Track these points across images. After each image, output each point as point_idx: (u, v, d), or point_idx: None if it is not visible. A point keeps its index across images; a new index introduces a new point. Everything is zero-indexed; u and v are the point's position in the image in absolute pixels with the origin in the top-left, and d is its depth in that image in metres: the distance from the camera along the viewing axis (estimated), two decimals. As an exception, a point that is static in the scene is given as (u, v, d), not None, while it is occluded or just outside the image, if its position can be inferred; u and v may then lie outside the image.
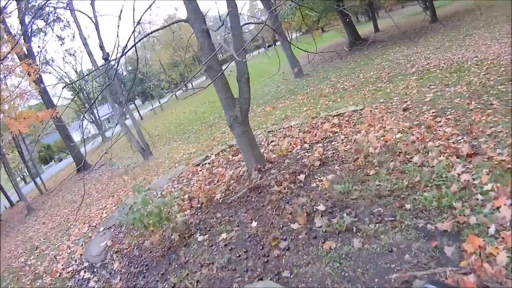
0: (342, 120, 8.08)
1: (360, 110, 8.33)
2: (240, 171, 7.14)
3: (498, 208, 3.57)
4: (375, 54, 16.50)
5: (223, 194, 6.38)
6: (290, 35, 52.03)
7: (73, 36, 29.56)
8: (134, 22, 4.81)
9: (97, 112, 43.53)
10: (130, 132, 15.55)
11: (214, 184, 7.13)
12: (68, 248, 8.31)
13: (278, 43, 40.03)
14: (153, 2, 5.50)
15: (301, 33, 41.63)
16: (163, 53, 50.16)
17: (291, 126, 9.13)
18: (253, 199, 5.74)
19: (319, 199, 4.95)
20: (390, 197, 4.43)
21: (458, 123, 5.85)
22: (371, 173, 5.15)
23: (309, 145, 7.18)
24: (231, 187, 6.55)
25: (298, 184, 5.61)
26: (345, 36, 22.82)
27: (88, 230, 8.87)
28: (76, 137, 51.01)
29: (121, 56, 4.99)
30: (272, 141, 8.52)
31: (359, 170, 5.38)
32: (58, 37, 26.92)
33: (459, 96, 7.05)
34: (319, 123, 8.42)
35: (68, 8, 15.34)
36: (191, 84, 53.32)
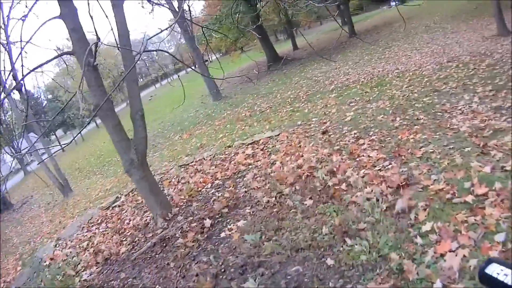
0: (257, 148, 7.18)
1: (276, 136, 7.47)
2: (146, 218, 6.19)
3: (442, 255, 2.77)
4: (293, 73, 16.11)
5: (129, 246, 5.46)
6: (209, 57, 51.87)
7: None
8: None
9: (17, 145, 40.01)
10: (47, 168, 14.48)
11: (120, 233, 6.21)
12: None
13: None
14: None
15: (221, 54, 41.32)
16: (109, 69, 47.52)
17: (204, 159, 8.13)
18: (157, 255, 4.79)
19: (228, 255, 4.01)
20: (308, 250, 3.50)
21: (383, 145, 5.15)
22: (286, 218, 4.27)
23: (221, 182, 6.26)
24: (137, 238, 5.64)
25: (205, 234, 4.69)
26: (264, 55, 22.36)
27: None
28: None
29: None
30: (182, 178, 7.53)
31: (272, 215, 4.49)
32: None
33: (382, 113, 6.46)
34: (233, 154, 7.49)
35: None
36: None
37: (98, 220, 7.80)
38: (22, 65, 4.22)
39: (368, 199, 3.87)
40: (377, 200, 3.81)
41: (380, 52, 12.86)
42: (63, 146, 3.97)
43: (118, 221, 6.87)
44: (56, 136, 50.76)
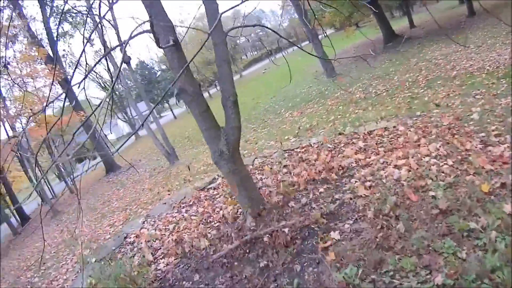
0: (371, 141, 6.69)
1: (393, 128, 6.90)
2: (238, 210, 5.86)
3: None
4: (411, 53, 15.17)
5: (212, 241, 5.28)
6: (324, 31, 50.76)
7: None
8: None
9: (130, 111, 43.82)
10: (155, 136, 15.61)
11: (207, 223, 6.13)
12: (66, 272, 7.87)
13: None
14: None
15: (335, 29, 40.41)
16: (195, 52, 49.85)
17: (311, 145, 7.82)
18: (237, 263, 4.53)
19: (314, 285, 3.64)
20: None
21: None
22: (393, 248, 3.58)
23: (323, 180, 5.81)
24: (222, 233, 5.35)
25: (295, 249, 4.25)
26: (379, 32, 21.53)
27: (92, 250, 8.24)
28: (111, 136, 51.88)
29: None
30: (284, 166, 7.14)
31: (376, 239, 3.80)
32: (87, 39, 26.74)
33: None
34: (342, 144, 7.11)
35: (87, 12, 15.21)
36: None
37: (190, 201, 7.83)
38: (123, 42, 4.11)
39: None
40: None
41: (505, 36, 11.49)
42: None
43: (209, 208, 6.71)
44: (168, 104, 53.56)
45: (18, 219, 22.13)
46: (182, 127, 29.12)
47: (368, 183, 5.07)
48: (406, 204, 4.20)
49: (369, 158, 5.92)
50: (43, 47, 19.86)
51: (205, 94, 54.31)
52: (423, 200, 4.14)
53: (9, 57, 16.48)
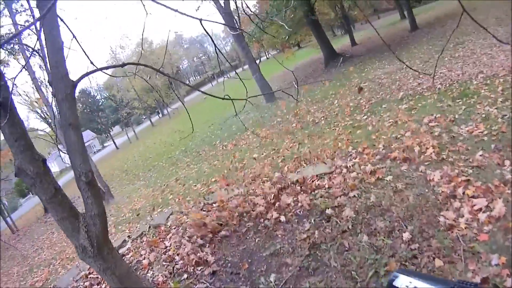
0: (300, 192, 5.15)
1: (328, 174, 5.40)
2: None
3: None
4: (352, 72, 14.12)
5: None
6: (267, 53, 50.64)
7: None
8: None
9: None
10: None
11: None
12: None
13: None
14: None
15: (277, 51, 40.04)
16: (136, 80, 48.22)
17: (226, 202, 5.99)
18: None
19: None
20: None
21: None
22: None
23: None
24: None
25: None
26: (320, 52, 20.63)
27: None
28: (53, 167, 49.08)
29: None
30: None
31: None
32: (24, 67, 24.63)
33: (480, 146, 4.45)
34: (272, 193, 5.38)
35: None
36: (167, 110, 52.32)
37: (88, 275, 6.18)
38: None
39: None
40: None
41: (452, 49, 10.64)
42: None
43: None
44: (108, 135, 52.23)
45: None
46: (122, 159, 28.09)
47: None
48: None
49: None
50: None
51: (147, 123, 52.70)
52: None
53: None
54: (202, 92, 3.57)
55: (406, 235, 3.41)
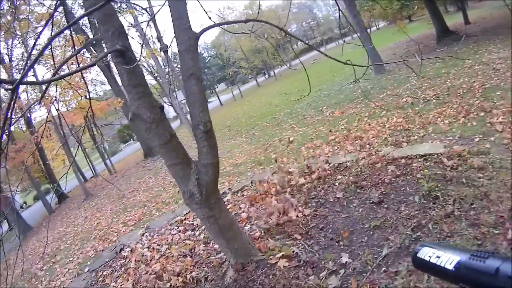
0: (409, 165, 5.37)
1: (439, 155, 5.31)
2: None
3: None
4: (466, 52, 13.91)
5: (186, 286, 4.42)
6: (377, 24, 49.11)
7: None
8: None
9: (176, 96, 44.25)
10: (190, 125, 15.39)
11: (197, 255, 5.22)
12: (67, 272, 7.85)
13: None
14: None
15: (387, 22, 38.93)
16: (244, 40, 49.50)
17: (338, 167, 6.47)
18: None
19: None
20: None
21: None
22: None
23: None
24: (201, 277, 4.49)
25: None
26: (432, 27, 20.17)
27: (95, 253, 8.29)
28: None
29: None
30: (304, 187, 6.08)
31: None
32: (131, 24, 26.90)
33: None
34: (378, 167, 5.75)
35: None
36: (273, 72, 53.11)
37: (183, 221, 7.16)
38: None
39: None
40: None
41: None
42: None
43: (194, 243, 5.73)
44: (214, 91, 54.18)
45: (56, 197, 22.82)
46: (225, 115, 28.97)
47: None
48: None
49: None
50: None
51: (253, 83, 54.19)
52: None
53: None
54: (322, 53, 3.87)
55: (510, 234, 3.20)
